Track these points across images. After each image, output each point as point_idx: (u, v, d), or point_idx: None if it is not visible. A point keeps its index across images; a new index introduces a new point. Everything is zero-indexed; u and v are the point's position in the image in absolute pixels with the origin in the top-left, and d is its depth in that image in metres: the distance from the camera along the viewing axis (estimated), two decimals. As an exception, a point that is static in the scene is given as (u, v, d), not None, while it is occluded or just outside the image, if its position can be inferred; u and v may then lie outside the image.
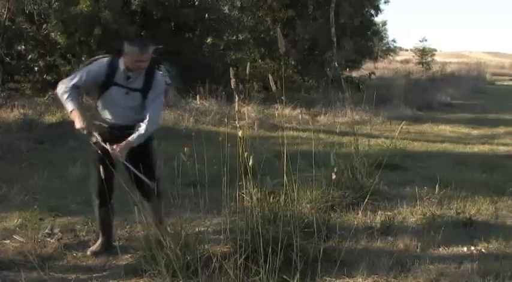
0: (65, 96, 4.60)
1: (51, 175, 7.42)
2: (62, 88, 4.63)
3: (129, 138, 4.58)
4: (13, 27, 17.56)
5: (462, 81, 27.91)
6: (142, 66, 4.62)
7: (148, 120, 4.65)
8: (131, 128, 4.65)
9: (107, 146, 4.50)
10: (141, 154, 4.69)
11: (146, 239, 4.55)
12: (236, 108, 4.56)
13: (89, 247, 5.03)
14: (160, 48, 5.21)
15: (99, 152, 4.62)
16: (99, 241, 5.05)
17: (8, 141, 9.55)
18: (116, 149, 4.50)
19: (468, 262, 4.81)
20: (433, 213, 6.07)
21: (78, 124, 4.54)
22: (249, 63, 5.04)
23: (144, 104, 4.70)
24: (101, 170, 4.33)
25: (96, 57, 4.87)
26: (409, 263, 4.75)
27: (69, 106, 4.59)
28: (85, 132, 4.58)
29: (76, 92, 4.64)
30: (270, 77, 4.17)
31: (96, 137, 4.60)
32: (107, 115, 4.76)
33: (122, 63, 4.64)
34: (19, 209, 5.92)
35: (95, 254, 4.93)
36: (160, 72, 4.90)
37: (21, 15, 17.45)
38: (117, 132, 4.67)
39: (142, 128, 4.62)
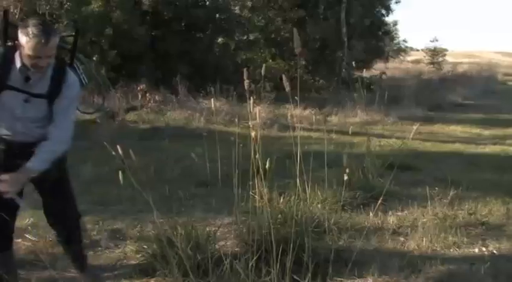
0: None
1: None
2: None
3: (27, 164, 3.40)
4: (25, 27, 17.66)
5: (473, 81, 27.75)
6: (41, 64, 3.34)
7: (54, 138, 3.51)
8: (36, 145, 3.50)
9: None
10: (55, 185, 3.81)
11: (157, 238, 4.55)
12: (249, 110, 4.52)
13: (100, 247, 5.04)
14: (73, 35, 3.81)
15: None
16: None
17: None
18: (3, 179, 3.34)
19: (480, 263, 4.77)
20: (444, 214, 6.03)
21: None
22: (264, 65, 5.01)
23: (51, 114, 3.51)
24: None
25: None
26: (420, 264, 4.72)
27: None
28: None
29: None
30: (284, 77, 4.16)
31: None
32: (3, 131, 3.54)
33: (18, 59, 3.39)
34: (31, 209, 5.92)
35: None
36: (73, 70, 3.70)
37: (33, 16, 17.53)
38: (16, 152, 3.54)
39: (45, 148, 3.48)
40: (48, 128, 3.51)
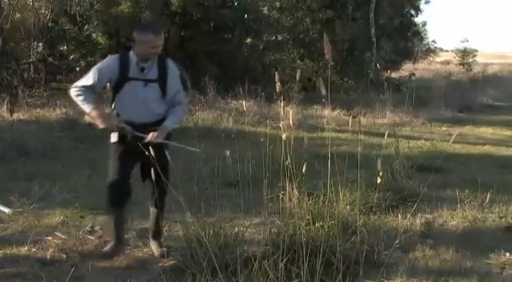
0: (80, 98, 4.48)
1: (92, 173, 7.51)
2: (75, 91, 4.50)
3: (164, 124, 4.56)
4: (56, 28, 17.93)
5: (504, 83, 27.43)
6: (158, 52, 4.54)
7: (177, 108, 4.69)
8: (155, 124, 4.55)
9: (140, 134, 4.44)
10: (156, 150, 4.36)
11: (186, 238, 4.57)
12: (281, 111, 4.52)
13: (129, 246, 5.09)
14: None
15: (120, 150, 4.58)
16: (112, 244, 4.91)
17: (50, 139, 9.74)
18: (153, 135, 4.44)
19: (510, 268, 4.72)
20: (474, 217, 5.97)
21: (102, 123, 4.45)
22: (298, 70, 5.05)
23: (165, 94, 4.61)
24: (118, 169, 4.39)
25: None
26: (449, 268, 4.68)
27: (87, 107, 4.48)
28: (116, 130, 4.51)
29: (89, 93, 4.51)
30: (321, 80, 4.17)
31: (125, 127, 4.49)
32: (128, 115, 4.58)
33: (133, 56, 4.56)
34: (61, 207, 6.02)
35: (105, 255, 4.81)
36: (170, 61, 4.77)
37: (63, 17, 17.78)
38: (141, 131, 4.51)
39: (173, 114, 4.64)
40: (162, 106, 4.63)
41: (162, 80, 4.58)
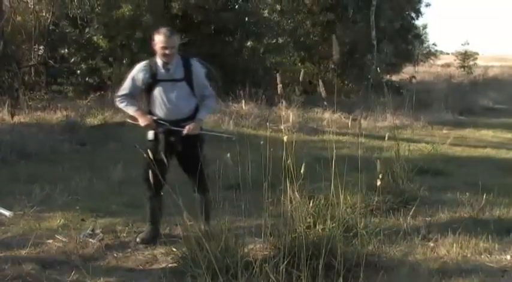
0: (123, 104, 5.14)
1: (93, 176, 7.52)
2: (118, 100, 5.17)
3: (197, 116, 5.06)
4: (57, 31, 17.94)
5: (505, 85, 27.45)
6: (168, 54, 4.92)
7: (208, 100, 5.17)
8: (187, 120, 5.01)
9: (177, 128, 4.93)
10: (192, 145, 4.97)
11: (187, 240, 4.57)
12: (282, 114, 4.54)
13: (130, 248, 5.09)
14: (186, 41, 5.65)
15: (154, 147, 4.94)
16: (147, 229, 5.34)
17: (51, 142, 9.75)
18: (189, 128, 4.92)
19: (512, 270, 4.72)
20: (475, 220, 5.96)
21: (145, 121, 5.00)
22: (302, 71, 5.10)
23: (193, 91, 5.07)
24: (152, 164, 4.62)
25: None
26: (451, 271, 4.67)
27: (131, 109, 5.11)
28: (154, 125, 4.97)
29: (129, 98, 5.13)
30: (321, 83, 4.19)
31: (166, 124, 4.97)
32: (161, 113, 5.04)
33: (158, 60, 5.02)
34: (62, 210, 6.02)
35: (143, 240, 5.21)
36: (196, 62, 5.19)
37: (64, 20, 17.78)
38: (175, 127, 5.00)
39: (205, 106, 5.14)
40: (191, 104, 5.08)
41: (188, 79, 5.04)
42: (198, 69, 5.13)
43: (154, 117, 5.01)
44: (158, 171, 4.60)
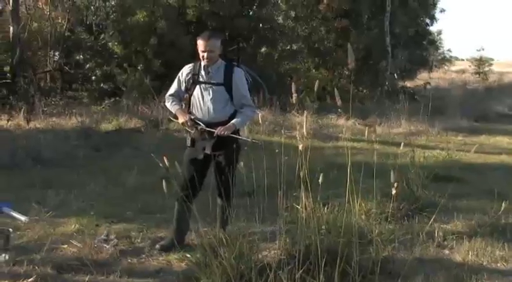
0: (169, 104, 5.37)
1: (108, 182, 7.55)
2: (166, 99, 5.42)
3: (232, 121, 5.06)
4: (72, 37, 18.07)
5: (520, 92, 27.17)
6: (209, 56, 5.02)
7: (246, 109, 5.18)
8: (221, 124, 5.02)
9: (209, 129, 5.00)
10: (227, 150, 5.05)
11: (201, 247, 4.56)
12: (297, 120, 4.53)
13: (144, 254, 5.10)
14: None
15: (191, 154, 5.17)
16: (170, 236, 5.34)
17: (66, 148, 9.81)
18: (220, 129, 4.94)
19: (529, 279, 4.67)
20: (491, 227, 5.91)
21: (182, 119, 5.13)
22: (317, 81, 5.10)
23: (232, 97, 5.13)
24: (189, 170, 4.96)
25: None
26: (466, 278, 4.63)
27: (173, 108, 5.31)
28: (189, 124, 5.06)
29: (174, 97, 5.33)
30: (336, 91, 4.18)
31: (200, 124, 5.05)
32: (197, 114, 5.15)
33: (202, 63, 5.14)
34: (76, 215, 6.04)
35: (162, 247, 5.23)
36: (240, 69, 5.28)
37: (80, 26, 17.92)
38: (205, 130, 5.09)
39: (242, 114, 5.14)
40: (228, 109, 5.11)
41: (226, 85, 5.10)
42: (239, 77, 5.18)
43: (192, 117, 5.10)
44: (195, 174, 4.94)
